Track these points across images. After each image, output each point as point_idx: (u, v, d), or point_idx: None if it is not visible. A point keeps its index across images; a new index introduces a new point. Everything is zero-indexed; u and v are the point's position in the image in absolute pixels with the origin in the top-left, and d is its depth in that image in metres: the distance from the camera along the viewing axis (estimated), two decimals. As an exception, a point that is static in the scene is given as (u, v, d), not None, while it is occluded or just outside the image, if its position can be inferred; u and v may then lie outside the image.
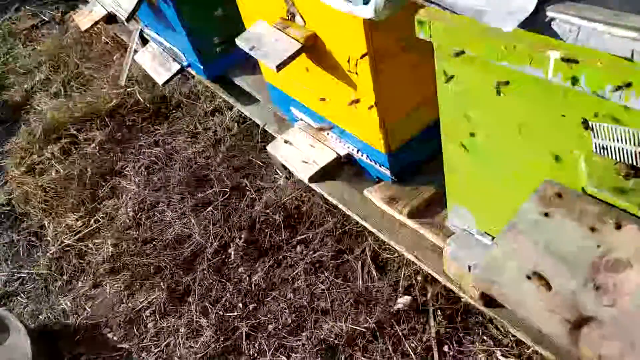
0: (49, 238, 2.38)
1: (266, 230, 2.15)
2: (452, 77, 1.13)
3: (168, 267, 2.09)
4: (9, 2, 4.14)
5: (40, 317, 2.05)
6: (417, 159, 1.67)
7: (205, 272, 2.05)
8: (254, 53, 1.56)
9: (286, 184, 2.27)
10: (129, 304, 2.00)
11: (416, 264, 1.77)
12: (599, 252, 0.82)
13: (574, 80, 0.86)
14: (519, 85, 1.00)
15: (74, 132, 2.89)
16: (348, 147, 1.79)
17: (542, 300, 0.82)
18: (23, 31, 3.88)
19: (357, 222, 1.97)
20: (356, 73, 1.47)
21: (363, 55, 1.37)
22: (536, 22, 0.80)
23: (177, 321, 1.91)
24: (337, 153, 1.80)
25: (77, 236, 2.35)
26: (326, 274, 1.95)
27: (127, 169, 2.58)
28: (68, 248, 2.31)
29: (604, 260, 0.81)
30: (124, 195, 2.46)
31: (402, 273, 1.86)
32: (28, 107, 3.20)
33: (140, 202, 2.39)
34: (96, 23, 3.19)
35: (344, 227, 2.07)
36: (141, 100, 2.98)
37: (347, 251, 2.00)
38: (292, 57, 1.50)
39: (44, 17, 3.98)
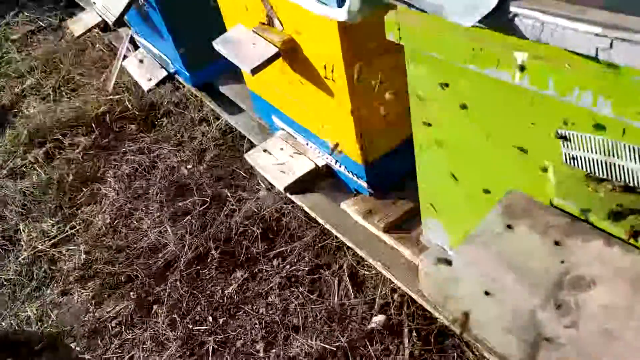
0: (22, 243, 2.32)
1: (243, 242, 2.08)
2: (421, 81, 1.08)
3: (139, 276, 2.02)
4: (8, 8, 4.15)
5: (3, 324, 1.98)
6: (396, 173, 1.61)
7: (178, 283, 1.98)
8: (230, 56, 1.52)
9: (268, 195, 2.22)
10: (96, 314, 1.93)
11: (393, 282, 1.70)
12: (562, 269, 0.75)
13: (541, 84, 0.80)
14: (486, 90, 0.94)
15: (60, 136, 2.85)
16: (327, 158, 1.73)
17: (500, 319, 0.75)
18: (19, 37, 3.88)
19: (337, 237, 1.91)
20: (333, 80, 1.42)
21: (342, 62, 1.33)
22: (500, 19, 0.75)
23: (143, 333, 1.84)
24: (315, 164, 1.74)
25: (51, 242, 2.29)
26: (301, 289, 1.87)
27: (109, 175, 2.53)
28: (40, 254, 2.24)
29: (567, 277, 0.74)
30: (102, 202, 2.40)
31: (379, 291, 1.78)
32: (16, 110, 3.17)
33: (118, 209, 2.34)
34: (90, 30, 3.18)
35: (324, 241, 2.00)
36: (129, 107, 2.94)
37: (324, 266, 1.93)
38: (268, 62, 1.46)
39: (41, 24, 3.99)
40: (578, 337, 0.69)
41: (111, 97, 3.04)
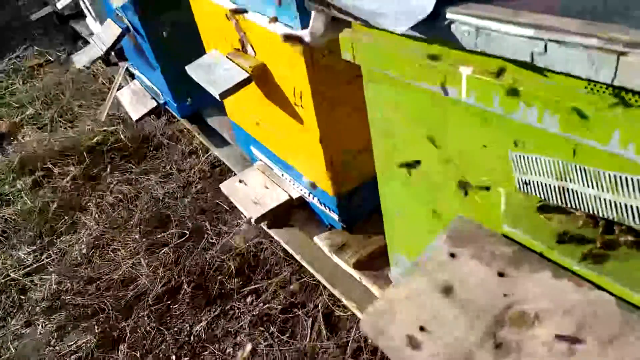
0: (-4, 270, 2.26)
1: (218, 277, 1.99)
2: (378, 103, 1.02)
3: (106, 309, 1.93)
4: (19, 42, 4.27)
5: (-40, 354, 1.89)
6: (369, 206, 1.54)
7: (146, 318, 1.89)
8: (201, 81, 1.49)
9: (248, 229, 2.15)
10: (56, 347, 1.83)
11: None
12: (505, 303, 0.66)
13: (487, 101, 0.74)
14: (440, 110, 0.88)
15: (50, 165, 2.84)
16: (301, 190, 1.66)
17: (433, 357, 0.65)
18: (27, 69, 3.96)
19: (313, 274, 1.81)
20: (301, 106, 1.38)
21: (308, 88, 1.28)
22: (436, 27, 0.70)
23: (101, 370, 1.73)
24: (289, 195, 1.67)
25: (25, 270, 2.22)
26: (272, 329, 1.76)
27: (91, 205, 2.48)
28: (12, 282, 2.17)
29: (510, 313, 0.65)
30: (82, 231, 2.35)
31: (353, 333, 1.67)
32: (12, 139, 3.19)
33: (96, 239, 2.28)
34: (92, 62, 3.22)
35: (301, 278, 1.91)
36: (123, 138, 2.94)
37: (299, 305, 1.83)
38: (238, 86, 1.42)
39: (49, 57, 4.08)
40: (516, 384, 0.59)
41: (106, 128, 3.04)
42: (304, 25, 1.17)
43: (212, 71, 1.48)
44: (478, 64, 0.75)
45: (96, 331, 1.86)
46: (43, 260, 2.26)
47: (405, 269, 0.77)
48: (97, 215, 2.40)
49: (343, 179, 1.48)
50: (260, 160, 1.85)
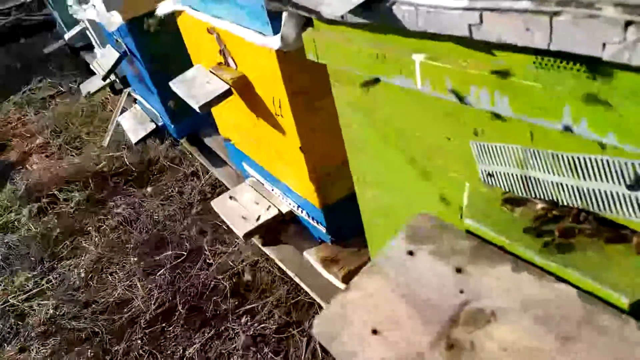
0: (-3, 296, 2.26)
1: (214, 298, 1.95)
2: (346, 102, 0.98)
3: (100, 333, 1.90)
4: (33, 74, 4.39)
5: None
6: (358, 219, 1.48)
7: (139, 341, 1.85)
8: (183, 95, 1.48)
9: (245, 248, 2.11)
10: (49, 372, 1.80)
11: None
12: (461, 300, 0.61)
13: (441, 88, 0.70)
14: (400, 103, 0.84)
15: (56, 192, 2.87)
16: (290, 204, 1.62)
17: (383, 365, 0.60)
18: (39, 100, 4.06)
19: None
20: (281, 115, 1.35)
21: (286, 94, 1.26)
22: (379, 10, 0.66)
23: (92, 395, 1.69)
24: (279, 210, 1.64)
25: (25, 295, 2.21)
26: (266, 350, 1.70)
27: (92, 229, 2.48)
28: (11, 308, 2.16)
29: (465, 311, 0.59)
30: (82, 256, 2.34)
31: (348, 353, 1.60)
32: (21, 167, 3.24)
33: (95, 262, 2.27)
34: (99, 90, 3.28)
35: (297, 297, 1.85)
36: (127, 163, 2.96)
37: (294, 324, 1.77)
38: (219, 99, 1.41)
39: (61, 88, 4.18)
40: (468, 388, 0.53)
41: (111, 154, 3.07)
42: (277, 31, 1.15)
43: (195, 85, 1.47)
44: (430, 50, 0.71)
45: (89, 355, 1.82)
46: (43, 285, 2.25)
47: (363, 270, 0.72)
48: (97, 239, 2.39)
49: (329, 190, 1.44)
50: (252, 176, 1.82)
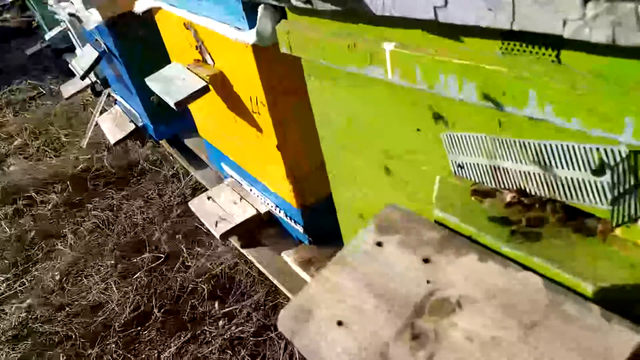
0: (-33, 300, 2.19)
1: (191, 301, 1.91)
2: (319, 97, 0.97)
3: (74, 336, 1.85)
4: (13, 76, 4.33)
5: None
6: (337, 220, 1.47)
7: (113, 345, 1.80)
8: (159, 92, 1.46)
9: (225, 250, 2.08)
10: (18, 377, 1.75)
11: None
12: (426, 290, 0.59)
13: (411, 77, 0.69)
14: (371, 95, 0.83)
15: (33, 194, 2.81)
16: (268, 204, 1.60)
17: (348, 355, 0.58)
18: (19, 102, 3.99)
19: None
20: (259, 113, 1.33)
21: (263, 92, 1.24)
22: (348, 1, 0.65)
23: (62, 400, 1.64)
24: (257, 210, 1.61)
25: (-3, 299, 2.16)
26: (243, 353, 1.67)
27: (69, 231, 2.44)
28: (-19, 312, 2.10)
29: (431, 300, 0.58)
30: (58, 258, 2.29)
31: (325, 356, 1.57)
32: (-3, 169, 3.17)
33: (70, 265, 2.22)
34: (79, 92, 3.24)
35: (275, 299, 1.83)
36: (107, 165, 2.92)
37: (272, 327, 1.74)
38: (195, 95, 1.39)
39: (42, 90, 4.12)
40: (431, 379, 0.52)
41: (90, 156, 3.03)
42: (253, 26, 1.14)
43: (171, 82, 1.45)
44: (400, 39, 0.70)
45: None
46: (16, 288, 2.19)
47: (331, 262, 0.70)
48: (73, 242, 2.34)
49: (307, 191, 1.42)
50: (231, 176, 1.80)
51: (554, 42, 0.52)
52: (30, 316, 2.00)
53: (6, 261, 2.37)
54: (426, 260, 0.62)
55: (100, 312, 1.92)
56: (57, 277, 2.17)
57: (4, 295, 2.16)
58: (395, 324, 0.58)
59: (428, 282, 0.60)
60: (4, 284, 2.23)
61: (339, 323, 0.62)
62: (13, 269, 2.30)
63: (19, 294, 2.14)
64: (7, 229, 2.58)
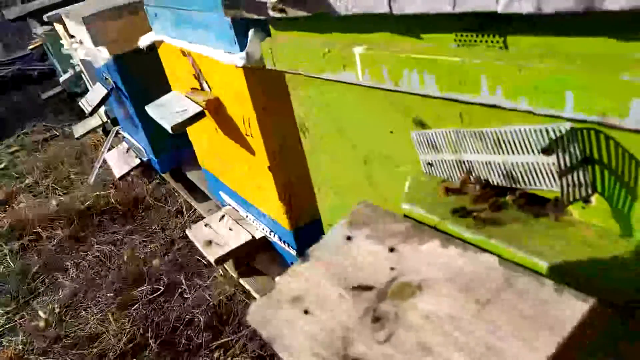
0: (-34, 333, 2.19)
1: (187, 332, 1.90)
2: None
3: (68, 366, 1.83)
4: (29, 118, 4.47)
5: None
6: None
7: (107, 375, 1.78)
8: (157, 118, 1.51)
9: (223, 281, 2.07)
10: (10, 408, 1.72)
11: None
12: (390, 276, 0.60)
13: (379, 77, 0.72)
14: (347, 101, 0.86)
15: (39, 229, 2.85)
16: (263, 229, 1.62)
17: (312, 341, 0.58)
18: (32, 143, 4.11)
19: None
20: (251, 135, 1.37)
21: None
22: (315, 1, 0.69)
23: None
24: (252, 236, 1.63)
25: (-4, 332, 2.16)
26: (236, 384, 1.64)
27: (71, 265, 2.45)
28: (-21, 344, 2.10)
29: (393, 285, 0.58)
30: (58, 291, 2.30)
31: (319, 384, 1.53)
32: (7, 206, 3.24)
33: (70, 298, 2.22)
34: (89, 132, 3.34)
35: (271, 331, 1.80)
36: (113, 201, 2.96)
37: (267, 357, 1.71)
38: (191, 120, 1.43)
39: (55, 132, 4.24)
40: (390, 355, 0.52)
41: (98, 192, 3.08)
42: (243, 49, 1.19)
43: (169, 109, 1.51)
44: (369, 42, 0.73)
45: (53, 391, 1.75)
46: (15, 321, 2.19)
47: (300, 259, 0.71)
48: (74, 275, 2.36)
49: (299, 213, 1.43)
50: (228, 204, 1.82)
51: (501, 30, 0.54)
52: (26, 348, 1.99)
53: (9, 295, 2.38)
54: (392, 250, 0.63)
55: (96, 342, 1.91)
56: (57, 310, 2.17)
57: (3, 328, 2.16)
58: (358, 310, 0.58)
59: (392, 269, 0.60)
60: (3, 317, 2.23)
61: (305, 312, 0.62)
62: (14, 302, 2.31)
63: (18, 328, 2.14)
64: (12, 264, 2.60)
